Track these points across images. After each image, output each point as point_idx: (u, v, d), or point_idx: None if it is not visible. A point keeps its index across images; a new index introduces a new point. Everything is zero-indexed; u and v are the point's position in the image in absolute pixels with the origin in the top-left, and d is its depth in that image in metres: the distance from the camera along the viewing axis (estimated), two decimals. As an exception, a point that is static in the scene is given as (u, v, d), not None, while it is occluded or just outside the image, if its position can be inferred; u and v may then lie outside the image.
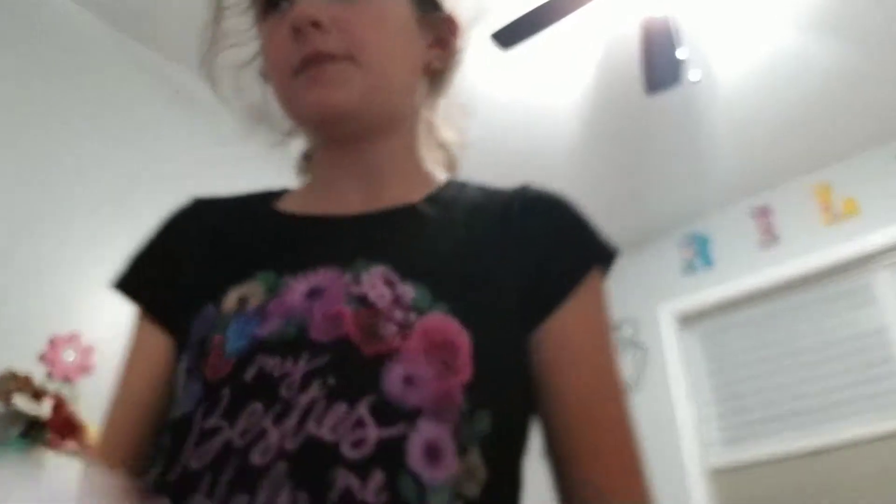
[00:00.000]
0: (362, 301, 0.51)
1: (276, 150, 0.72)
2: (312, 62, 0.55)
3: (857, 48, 2.48)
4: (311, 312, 0.51)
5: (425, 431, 0.45)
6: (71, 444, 1.72)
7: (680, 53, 2.12)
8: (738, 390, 3.00)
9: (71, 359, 1.86)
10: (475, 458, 0.46)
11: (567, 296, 0.57)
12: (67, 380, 1.83)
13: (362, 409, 0.46)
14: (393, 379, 0.47)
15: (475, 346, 0.49)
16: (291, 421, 0.46)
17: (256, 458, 0.45)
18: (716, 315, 3.19)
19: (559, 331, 0.56)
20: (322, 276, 0.53)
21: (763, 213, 3.19)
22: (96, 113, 2.24)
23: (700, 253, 3.33)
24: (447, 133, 0.70)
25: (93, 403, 1.82)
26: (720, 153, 2.99)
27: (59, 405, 1.74)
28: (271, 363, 0.49)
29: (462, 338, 0.49)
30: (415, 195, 0.60)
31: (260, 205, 0.66)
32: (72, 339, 1.88)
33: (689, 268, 3.33)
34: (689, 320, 3.27)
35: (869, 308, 2.80)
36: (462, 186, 0.64)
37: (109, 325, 1.98)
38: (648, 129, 2.86)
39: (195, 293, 0.56)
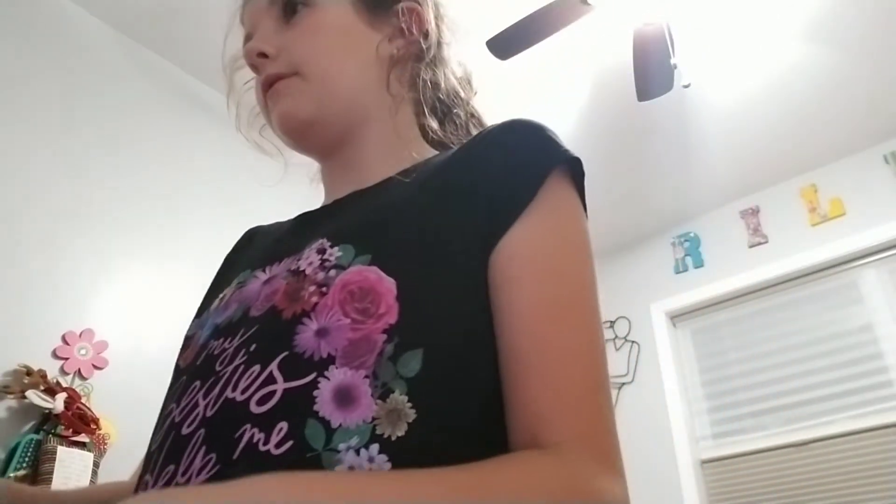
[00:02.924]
0: (296, 273, 0.53)
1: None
2: (268, 85, 0.64)
3: (844, 54, 2.54)
4: (259, 295, 0.54)
5: (337, 377, 0.45)
6: (84, 438, 1.76)
7: (672, 60, 2.17)
8: (728, 386, 3.07)
9: (84, 354, 1.90)
10: (399, 399, 0.44)
11: (519, 210, 0.52)
12: (81, 375, 1.87)
13: (273, 367, 0.46)
14: (306, 334, 0.47)
15: (402, 290, 0.48)
16: (215, 390, 0.48)
17: (185, 429, 0.48)
18: (706, 313, 3.27)
19: (508, 246, 0.51)
20: (281, 264, 0.56)
21: (752, 214, 3.27)
22: (115, 117, 2.28)
23: (691, 253, 3.40)
24: (434, 113, 0.72)
25: (106, 398, 1.87)
26: (710, 157, 3.06)
27: (73, 400, 1.77)
28: (215, 344, 0.53)
29: (384, 284, 0.48)
30: (395, 171, 0.62)
31: (288, 222, 0.71)
32: (85, 335, 1.92)
33: (681, 267, 3.41)
34: (680, 318, 3.35)
35: (855, 306, 2.86)
36: (445, 153, 0.63)
37: (122, 322, 2.04)
38: (641, 134, 2.91)
39: (209, 296, 0.64)
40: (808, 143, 3.00)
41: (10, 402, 1.74)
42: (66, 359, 1.87)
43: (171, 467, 0.46)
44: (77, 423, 1.75)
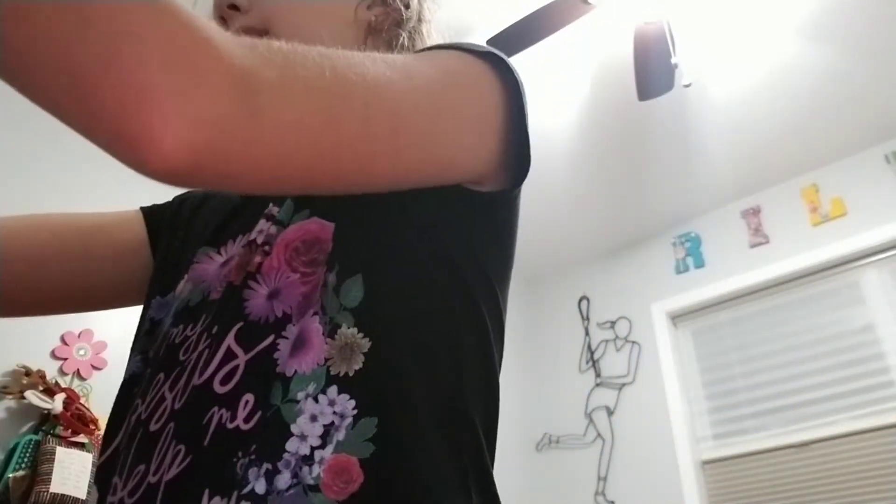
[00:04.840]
0: (248, 245, 0.52)
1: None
2: None
3: (845, 53, 2.53)
4: (218, 277, 0.52)
5: (294, 333, 0.44)
6: (83, 438, 1.76)
7: (673, 60, 2.17)
8: (729, 386, 3.06)
9: (83, 355, 1.90)
10: (348, 332, 0.43)
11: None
12: (80, 376, 1.87)
13: (230, 340, 0.45)
14: (257, 300, 0.46)
15: (338, 227, 0.47)
16: (181, 381, 0.46)
17: (153, 425, 0.46)
18: (707, 313, 3.26)
19: None
20: (236, 243, 0.54)
21: (753, 214, 3.26)
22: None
23: (692, 253, 3.40)
24: None
25: (104, 399, 1.86)
26: (711, 157, 3.05)
27: (72, 400, 1.78)
28: (175, 332, 0.51)
29: (326, 230, 0.47)
30: None
31: None
32: (84, 335, 1.92)
33: (682, 267, 3.40)
34: (681, 318, 3.34)
35: (856, 306, 2.86)
36: None
37: (121, 323, 2.03)
38: (642, 135, 2.91)
39: (168, 270, 0.59)
40: (809, 143, 3.00)
41: (9, 402, 1.74)
42: (65, 359, 1.87)
43: (142, 467, 0.44)
44: (76, 423, 1.75)
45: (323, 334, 0.43)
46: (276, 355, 0.43)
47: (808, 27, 2.44)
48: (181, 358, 0.48)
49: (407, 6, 0.66)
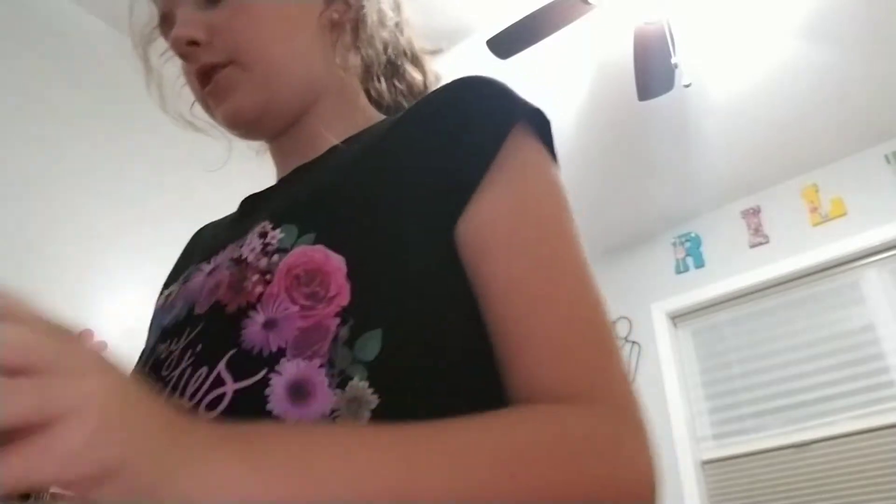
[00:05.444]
0: (238, 262, 0.49)
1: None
2: (206, 77, 0.57)
3: (845, 54, 2.53)
4: (203, 289, 0.50)
5: (289, 371, 0.42)
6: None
7: (673, 60, 2.17)
8: (729, 386, 3.06)
9: (83, 355, 1.90)
10: (359, 385, 0.41)
11: (481, 174, 0.47)
12: (79, 375, 1.87)
13: (220, 367, 0.43)
14: (253, 328, 0.44)
15: (352, 267, 0.44)
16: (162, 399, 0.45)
17: None
18: (707, 313, 3.26)
19: (477, 215, 0.47)
20: (225, 252, 0.52)
21: (753, 214, 3.26)
22: (114, 119, 2.28)
23: (692, 253, 3.39)
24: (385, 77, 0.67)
25: (104, 398, 1.87)
26: (711, 156, 3.05)
27: (72, 400, 1.78)
28: (161, 348, 0.49)
29: (332, 262, 0.44)
30: (340, 139, 0.58)
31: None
32: (84, 336, 1.92)
33: (682, 267, 3.40)
34: (681, 318, 3.34)
35: (856, 306, 2.86)
36: (408, 111, 0.58)
37: (122, 323, 2.03)
38: (642, 135, 2.91)
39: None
40: (809, 143, 3.00)
41: (9, 402, 1.73)
42: (65, 359, 1.87)
43: None
44: (76, 423, 1.75)
45: (329, 386, 0.41)
46: (267, 392, 0.41)
47: (808, 27, 2.44)
48: (163, 374, 0.47)
49: None
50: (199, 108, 0.64)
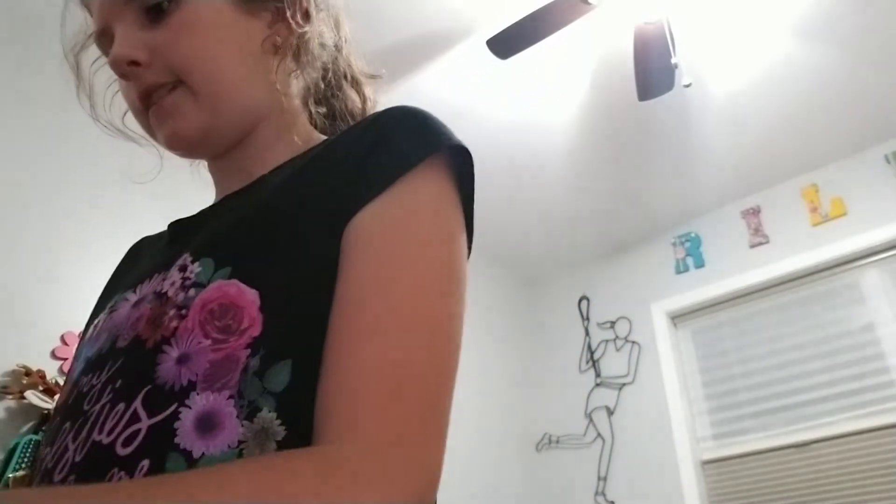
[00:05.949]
0: (159, 296, 0.49)
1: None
2: (148, 97, 0.57)
3: (846, 53, 2.53)
4: (127, 321, 0.50)
5: (199, 404, 0.42)
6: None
7: (673, 60, 2.17)
8: (729, 386, 3.06)
9: (83, 355, 1.90)
10: (267, 417, 0.42)
11: (374, 193, 0.48)
12: (79, 375, 1.87)
13: (137, 404, 0.44)
14: (167, 364, 0.44)
15: (265, 300, 0.45)
16: (83, 433, 0.45)
17: (56, 475, 0.45)
18: (707, 313, 3.26)
19: (353, 228, 0.47)
20: (151, 283, 0.52)
21: (753, 214, 3.26)
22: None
23: (692, 253, 3.40)
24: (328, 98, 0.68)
25: (104, 398, 1.86)
26: (711, 157, 3.06)
27: (71, 400, 1.78)
28: (84, 381, 0.49)
29: (246, 296, 0.45)
30: (271, 167, 0.59)
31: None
32: (83, 336, 1.92)
33: (682, 267, 3.40)
34: (681, 318, 3.34)
35: (857, 306, 2.86)
36: (330, 140, 0.59)
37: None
38: (642, 135, 2.91)
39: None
40: (809, 143, 3.00)
41: (9, 402, 1.74)
42: (65, 359, 1.87)
43: None
44: (76, 423, 1.75)
45: (238, 417, 0.42)
46: (176, 425, 0.42)
47: (808, 27, 2.44)
48: (84, 408, 0.47)
49: (306, 15, 0.63)
50: (130, 118, 0.63)
